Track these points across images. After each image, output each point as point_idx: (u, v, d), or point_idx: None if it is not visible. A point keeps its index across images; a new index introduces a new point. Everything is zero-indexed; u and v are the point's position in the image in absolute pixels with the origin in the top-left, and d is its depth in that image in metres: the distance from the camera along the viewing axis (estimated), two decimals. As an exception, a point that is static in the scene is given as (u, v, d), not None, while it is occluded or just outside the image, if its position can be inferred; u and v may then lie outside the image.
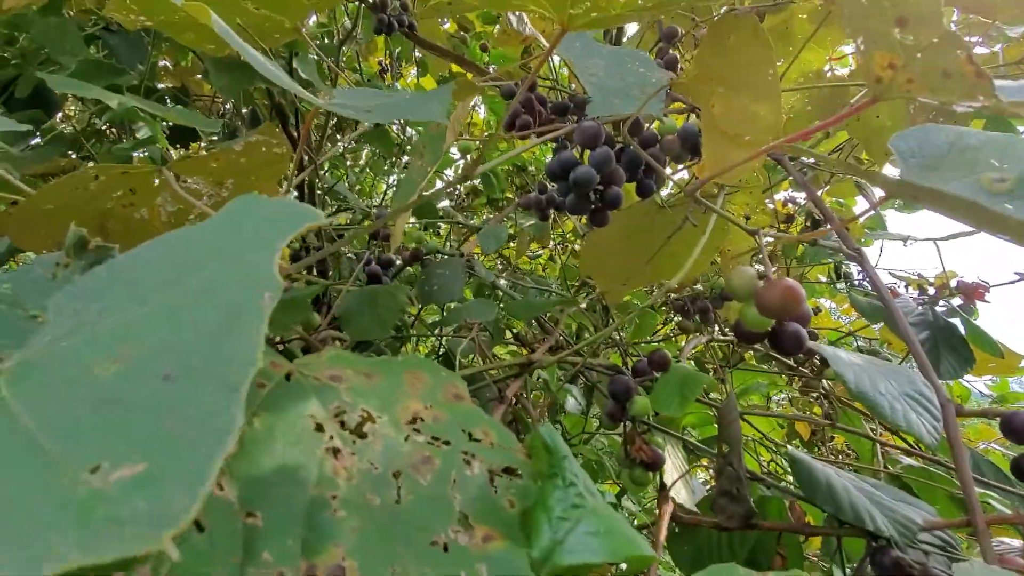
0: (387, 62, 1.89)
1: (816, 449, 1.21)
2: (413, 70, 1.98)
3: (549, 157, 0.76)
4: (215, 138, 1.24)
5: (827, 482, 0.41)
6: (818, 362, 0.81)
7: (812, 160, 1.12)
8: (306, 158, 1.06)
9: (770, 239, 0.37)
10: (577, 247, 1.59)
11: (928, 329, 0.65)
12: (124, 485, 0.09)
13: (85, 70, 0.91)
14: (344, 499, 0.19)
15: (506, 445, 0.26)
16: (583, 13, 0.36)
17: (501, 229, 0.66)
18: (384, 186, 2.02)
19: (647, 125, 0.60)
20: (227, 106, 1.52)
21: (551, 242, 1.75)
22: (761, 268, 0.34)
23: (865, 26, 0.23)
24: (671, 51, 0.79)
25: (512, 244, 1.70)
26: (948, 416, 0.37)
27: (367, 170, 1.99)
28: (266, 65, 0.34)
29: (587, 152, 0.52)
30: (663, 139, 0.59)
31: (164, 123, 1.17)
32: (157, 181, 0.37)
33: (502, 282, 0.71)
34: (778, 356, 0.77)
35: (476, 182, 1.95)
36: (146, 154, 1.13)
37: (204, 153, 0.38)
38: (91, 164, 0.33)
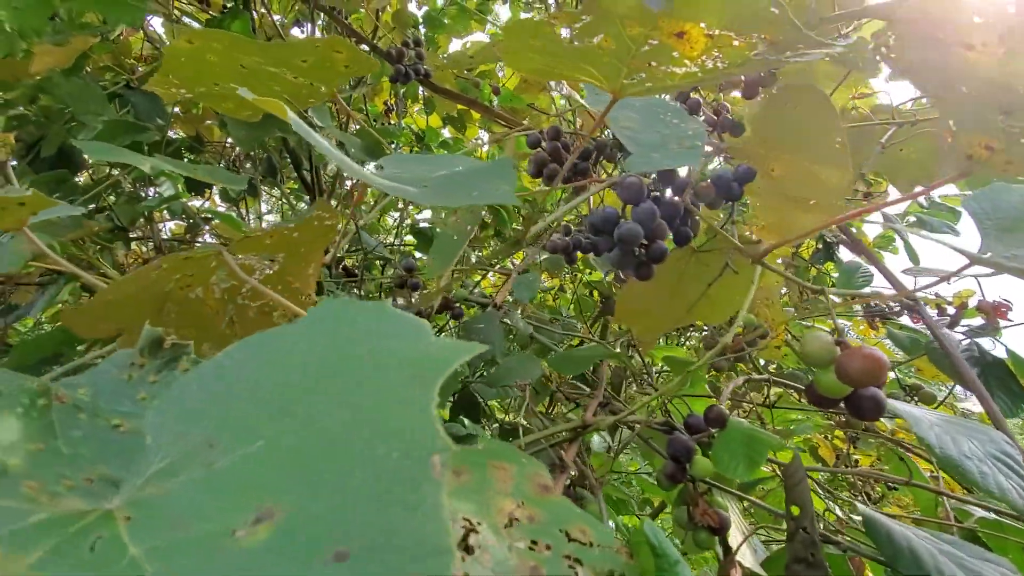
0: (392, 102, 1.92)
1: (839, 476, 1.18)
2: (417, 107, 2.00)
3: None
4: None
5: (909, 546, 0.40)
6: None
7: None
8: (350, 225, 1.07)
9: (838, 297, 0.36)
10: (588, 276, 1.59)
11: (978, 365, 0.64)
12: None
13: (110, 130, 0.92)
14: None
15: (606, 544, 0.25)
16: (637, 83, 0.36)
17: (535, 278, 0.66)
18: (390, 219, 2.01)
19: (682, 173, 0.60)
20: (237, 150, 1.54)
21: (560, 275, 1.75)
22: (834, 336, 0.33)
23: (967, 112, 0.23)
24: (691, 95, 0.80)
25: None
26: (1032, 473, 0.35)
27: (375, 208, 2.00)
28: (327, 147, 0.34)
29: (628, 206, 0.52)
30: (697, 186, 0.59)
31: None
32: (214, 263, 0.37)
33: (542, 335, 0.71)
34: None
35: (484, 214, 1.96)
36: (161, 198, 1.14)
37: (259, 233, 0.38)
38: (156, 256, 0.33)
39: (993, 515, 0.53)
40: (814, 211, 0.36)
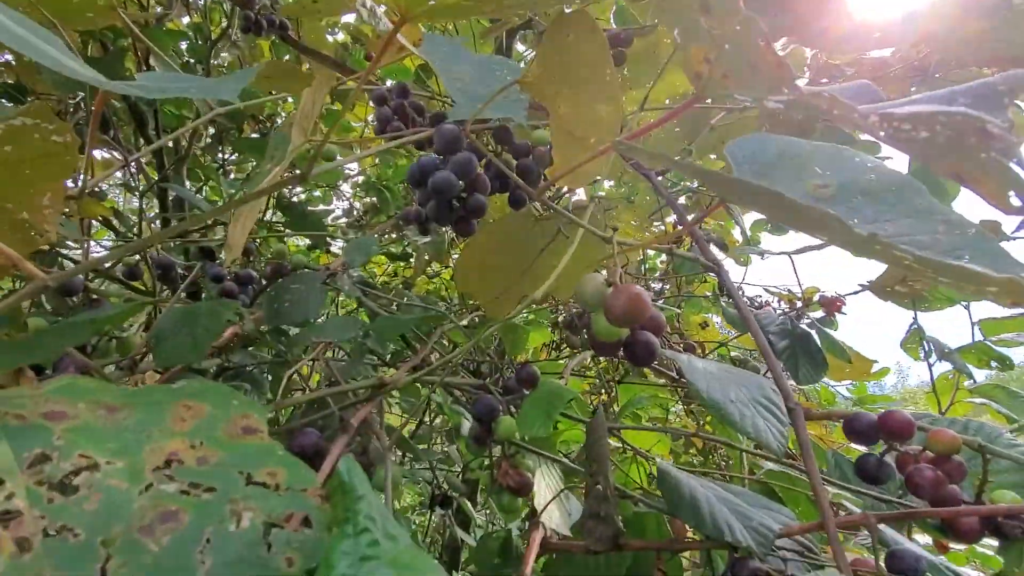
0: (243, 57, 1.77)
1: (709, 457, 1.26)
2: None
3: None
4: None
5: (691, 495, 0.40)
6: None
7: (695, 184, 1.18)
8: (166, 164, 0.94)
9: (624, 245, 0.36)
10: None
11: (788, 338, 0.69)
12: None
13: None
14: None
15: (297, 487, 0.22)
16: (421, 1, 0.33)
17: (370, 241, 0.61)
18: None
19: (529, 141, 0.59)
20: (77, 105, 1.34)
21: (450, 260, 1.71)
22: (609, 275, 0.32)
23: (679, 17, 0.22)
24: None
25: (411, 263, 1.64)
26: (797, 420, 0.37)
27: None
28: (27, 39, 0.28)
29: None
30: (535, 150, 0.58)
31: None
32: None
33: (378, 301, 0.66)
34: (657, 365, 0.78)
35: (373, 199, 1.89)
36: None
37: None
38: None
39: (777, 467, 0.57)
40: (592, 149, 0.36)
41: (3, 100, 1.16)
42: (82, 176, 0.39)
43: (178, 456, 0.20)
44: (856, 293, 0.77)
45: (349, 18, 1.51)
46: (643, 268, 1.28)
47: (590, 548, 0.41)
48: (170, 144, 1.28)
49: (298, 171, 0.34)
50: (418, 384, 0.61)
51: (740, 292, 1.30)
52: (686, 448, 1.25)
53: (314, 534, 0.20)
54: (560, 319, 0.89)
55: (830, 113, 0.20)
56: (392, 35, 0.34)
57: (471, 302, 1.32)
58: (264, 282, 0.72)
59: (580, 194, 0.75)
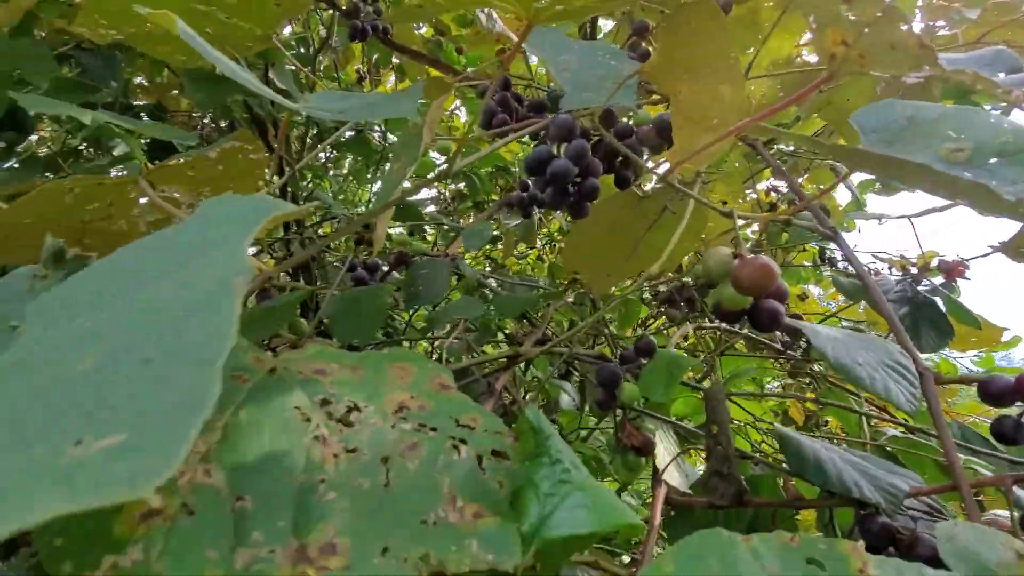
0: (364, 69, 1.89)
1: (811, 433, 1.23)
2: (392, 77, 1.98)
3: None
4: (191, 152, 1.24)
5: (815, 456, 0.42)
6: (805, 345, 0.82)
7: (791, 148, 1.13)
8: (286, 167, 1.06)
9: (744, 220, 0.38)
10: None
11: (907, 305, 0.67)
12: (106, 452, 0.09)
13: (58, 89, 0.90)
14: (333, 483, 0.19)
15: (493, 430, 0.27)
16: (548, 6, 0.37)
17: (485, 227, 0.67)
18: (368, 194, 2.02)
19: (625, 119, 0.61)
20: (205, 121, 1.52)
21: (538, 242, 1.76)
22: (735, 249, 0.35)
23: (815, 6, 0.24)
24: (643, 44, 0.81)
25: (500, 245, 1.70)
26: (927, 384, 0.38)
27: (350, 179, 1.99)
28: (237, 71, 0.34)
29: (563, 146, 0.53)
30: (638, 130, 0.60)
31: (143, 139, 1.16)
32: (133, 193, 0.37)
33: (491, 282, 0.72)
34: (760, 337, 0.78)
35: (461, 186, 1.96)
36: (124, 171, 1.12)
37: (180, 161, 0.38)
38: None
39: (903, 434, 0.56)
40: (715, 130, 0.37)
41: (145, 116, 1.34)
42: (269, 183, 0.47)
43: (406, 404, 0.26)
44: (986, 256, 0.72)
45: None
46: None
47: (714, 503, 0.44)
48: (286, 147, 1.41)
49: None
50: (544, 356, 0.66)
51: (842, 263, 1.24)
52: (785, 423, 1.22)
53: (514, 465, 0.25)
54: (656, 294, 0.90)
55: (972, 87, 0.21)
56: (523, 38, 0.38)
57: (560, 281, 1.36)
58: (387, 269, 0.80)
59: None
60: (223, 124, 1.47)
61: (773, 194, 1.34)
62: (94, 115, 0.67)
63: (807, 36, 0.82)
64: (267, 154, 0.43)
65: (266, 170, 0.43)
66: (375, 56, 1.85)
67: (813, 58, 0.82)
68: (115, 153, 1.09)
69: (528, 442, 0.26)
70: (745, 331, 0.84)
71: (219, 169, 0.41)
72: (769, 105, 0.78)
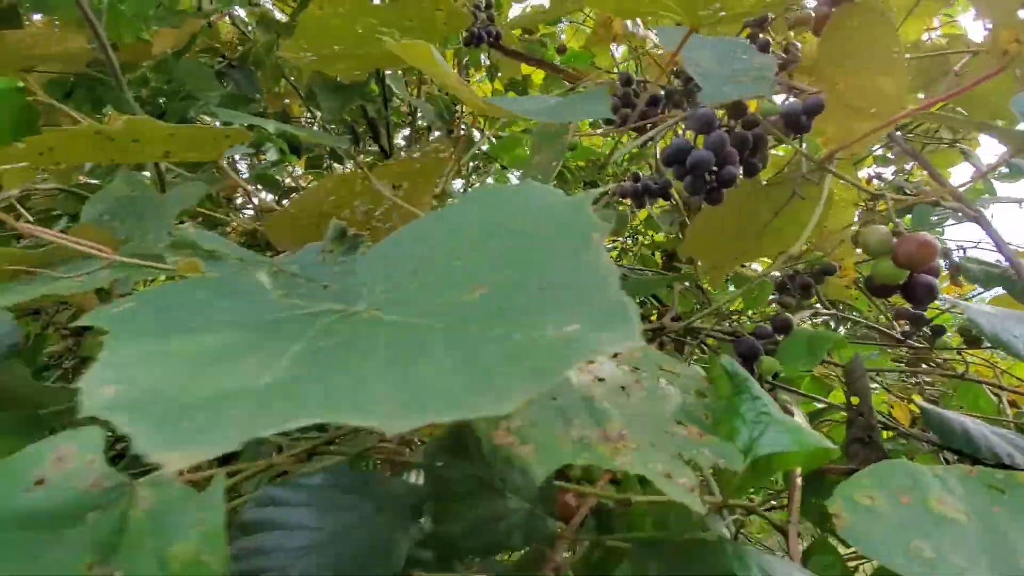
0: (456, 70, 1.99)
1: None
2: (479, 75, 2.05)
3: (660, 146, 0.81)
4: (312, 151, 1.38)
5: (962, 428, 0.44)
6: (928, 331, 0.81)
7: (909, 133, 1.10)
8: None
9: (892, 201, 0.41)
10: (652, 237, 1.63)
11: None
12: (578, 330, 0.16)
13: (229, 102, 1.05)
14: (602, 397, 0.25)
15: (687, 375, 0.32)
16: (712, 14, 0.41)
17: (609, 215, 0.72)
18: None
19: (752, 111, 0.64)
20: (322, 124, 1.67)
21: (625, 234, 1.78)
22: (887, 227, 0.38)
23: (993, 8, 0.27)
24: (761, 35, 0.83)
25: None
26: (1086, 359, 0.39)
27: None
28: (461, 82, 0.41)
29: (699, 137, 0.57)
30: (768, 119, 0.63)
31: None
32: (358, 186, 0.46)
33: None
34: (877, 326, 0.78)
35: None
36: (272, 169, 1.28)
37: (391, 162, 0.46)
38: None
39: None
40: (874, 119, 0.40)
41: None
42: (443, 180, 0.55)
43: (620, 355, 0.32)
44: None
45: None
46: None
47: (856, 469, 0.47)
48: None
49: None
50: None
51: (962, 251, 1.18)
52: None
53: (712, 402, 0.31)
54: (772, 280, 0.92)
55: None
56: (684, 42, 0.43)
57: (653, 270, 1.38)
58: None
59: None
60: (329, 127, 1.62)
61: (875, 182, 1.29)
62: (277, 125, 0.79)
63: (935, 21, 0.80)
64: (446, 155, 0.50)
65: (447, 165, 0.51)
66: (466, 58, 1.94)
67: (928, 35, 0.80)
68: (269, 159, 1.23)
69: (723, 385, 0.31)
70: (863, 319, 0.84)
71: (416, 167, 0.49)
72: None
